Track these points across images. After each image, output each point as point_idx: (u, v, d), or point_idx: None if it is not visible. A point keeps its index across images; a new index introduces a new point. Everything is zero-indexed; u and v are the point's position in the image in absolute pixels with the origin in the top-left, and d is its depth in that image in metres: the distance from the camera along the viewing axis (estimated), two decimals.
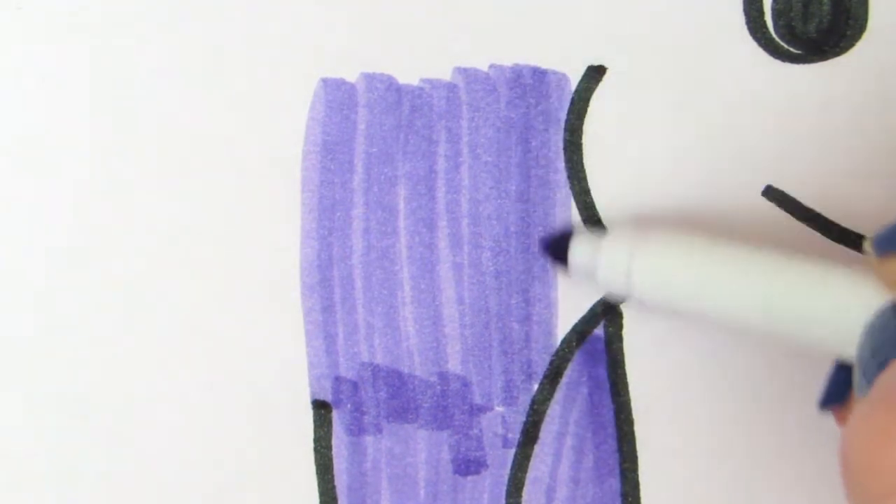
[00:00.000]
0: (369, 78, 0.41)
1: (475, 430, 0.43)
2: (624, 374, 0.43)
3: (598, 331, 0.43)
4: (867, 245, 0.37)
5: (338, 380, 0.42)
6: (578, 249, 0.41)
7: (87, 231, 0.42)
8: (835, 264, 0.38)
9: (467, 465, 0.43)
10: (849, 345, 0.37)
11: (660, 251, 0.39)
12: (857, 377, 0.36)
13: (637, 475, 0.43)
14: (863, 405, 0.33)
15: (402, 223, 0.42)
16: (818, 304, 0.38)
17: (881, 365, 0.34)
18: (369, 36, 0.41)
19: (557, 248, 0.42)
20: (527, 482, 0.43)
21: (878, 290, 0.37)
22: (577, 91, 0.42)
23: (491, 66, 0.42)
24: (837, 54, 0.42)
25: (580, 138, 0.42)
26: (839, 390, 0.39)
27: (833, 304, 0.37)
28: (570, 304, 0.43)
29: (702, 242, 0.39)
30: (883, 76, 0.43)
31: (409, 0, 0.41)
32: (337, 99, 0.42)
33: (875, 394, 0.33)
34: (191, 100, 0.42)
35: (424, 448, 0.43)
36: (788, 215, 0.43)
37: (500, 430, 0.43)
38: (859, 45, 0.42)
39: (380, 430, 0.43)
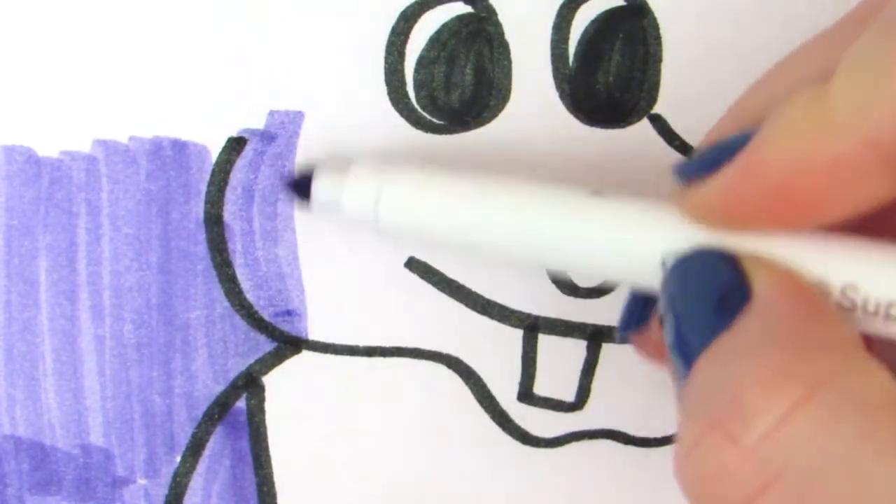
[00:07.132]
0: (8, 150, 0.41)
1: (118, 503, 0.42)
2: (266, 447, 0.43)
3: (241, 403, 0.43)
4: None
5: None
6: (322, 183, 0.39)
7: None
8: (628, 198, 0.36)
9: None
10: (641, 277, 0.35)
11: (412, 177, 0.38)
12: (667, 329, 0.33)
13: None
14: (685, 419, 0.31)
15: (43, 295, 0.42)
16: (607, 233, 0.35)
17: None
18: (9, 108, 0.41)
19: (300, 186, 0.39)
20: None
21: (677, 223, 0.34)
22: (216, 163, 0.42)
23: (131, 139, 0.42)
24: (481, 124, 0.42)
25: (220, 210, 0.42)
26: (637, 317, 0.37)
27: (626, 235, 0.35)
28: (212, 377, 0.42)
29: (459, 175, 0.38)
30: (525, 144, 0.42)
31: (49, 70, 0.41)
32: None
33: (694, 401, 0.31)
34: None
35: None
36: (433, 287, 0.42)
37: (142, 503, 0.42)
38: (502, 115, 0.42)
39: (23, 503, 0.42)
